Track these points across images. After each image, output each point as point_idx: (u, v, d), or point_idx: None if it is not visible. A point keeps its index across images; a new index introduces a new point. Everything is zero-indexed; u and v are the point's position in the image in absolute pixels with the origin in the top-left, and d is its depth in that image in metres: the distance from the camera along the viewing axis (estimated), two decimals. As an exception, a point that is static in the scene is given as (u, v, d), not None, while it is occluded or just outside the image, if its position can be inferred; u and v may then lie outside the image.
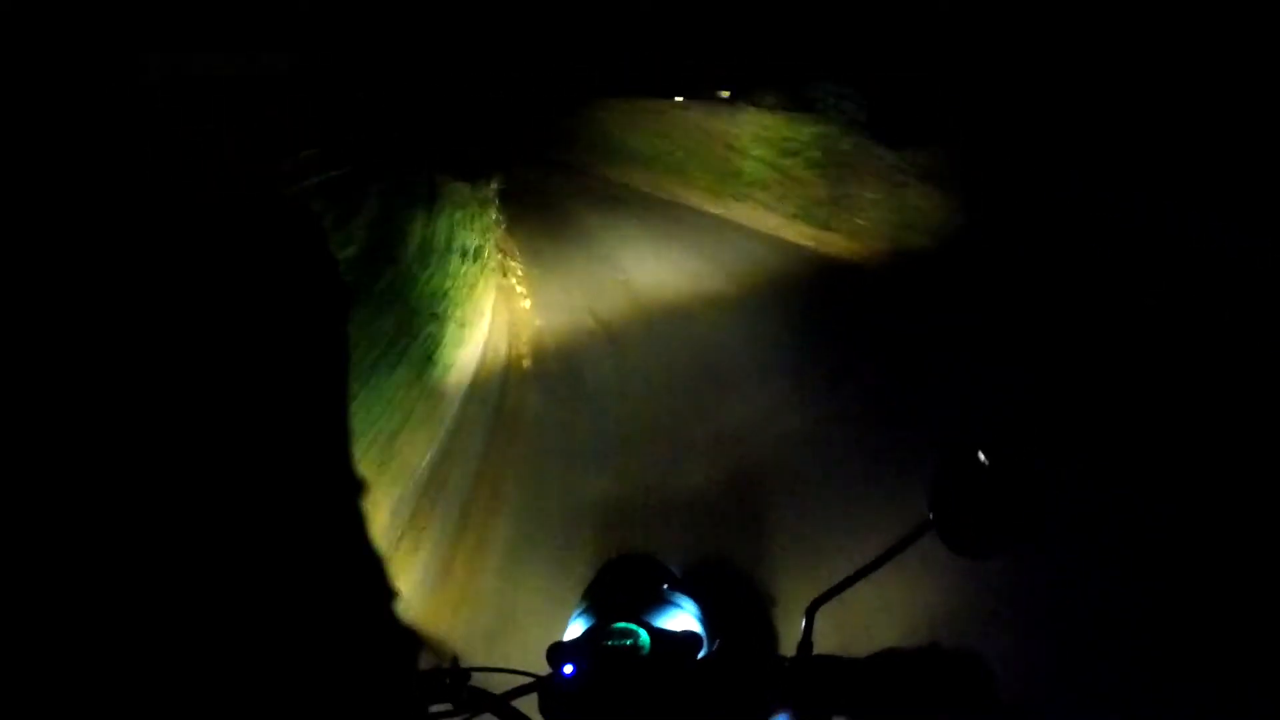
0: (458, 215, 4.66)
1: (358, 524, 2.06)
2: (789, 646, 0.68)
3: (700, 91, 8.52)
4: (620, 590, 0.88)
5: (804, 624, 0.67)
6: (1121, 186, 4.03)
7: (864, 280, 5.23)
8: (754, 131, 7.44)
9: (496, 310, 4.76)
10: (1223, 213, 3.50)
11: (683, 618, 0.82)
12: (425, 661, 1.50)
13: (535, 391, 3.67)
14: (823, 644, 0.66)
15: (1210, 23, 3.85)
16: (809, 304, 4.70)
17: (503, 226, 5.90)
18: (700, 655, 0.68)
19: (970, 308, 4.26)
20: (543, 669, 0.68)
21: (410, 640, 1.72)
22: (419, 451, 2.90)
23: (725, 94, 8.08)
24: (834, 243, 5.92)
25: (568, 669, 0.66)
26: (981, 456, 0.65)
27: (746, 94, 7.69)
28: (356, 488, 2.18)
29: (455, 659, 0.72)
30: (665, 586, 0.86)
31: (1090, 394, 3.09)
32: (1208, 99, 3.76)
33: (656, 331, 4.23)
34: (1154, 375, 3.16)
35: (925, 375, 3.40)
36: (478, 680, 0.71)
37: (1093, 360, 3.38)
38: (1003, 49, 5.16)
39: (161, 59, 2.20)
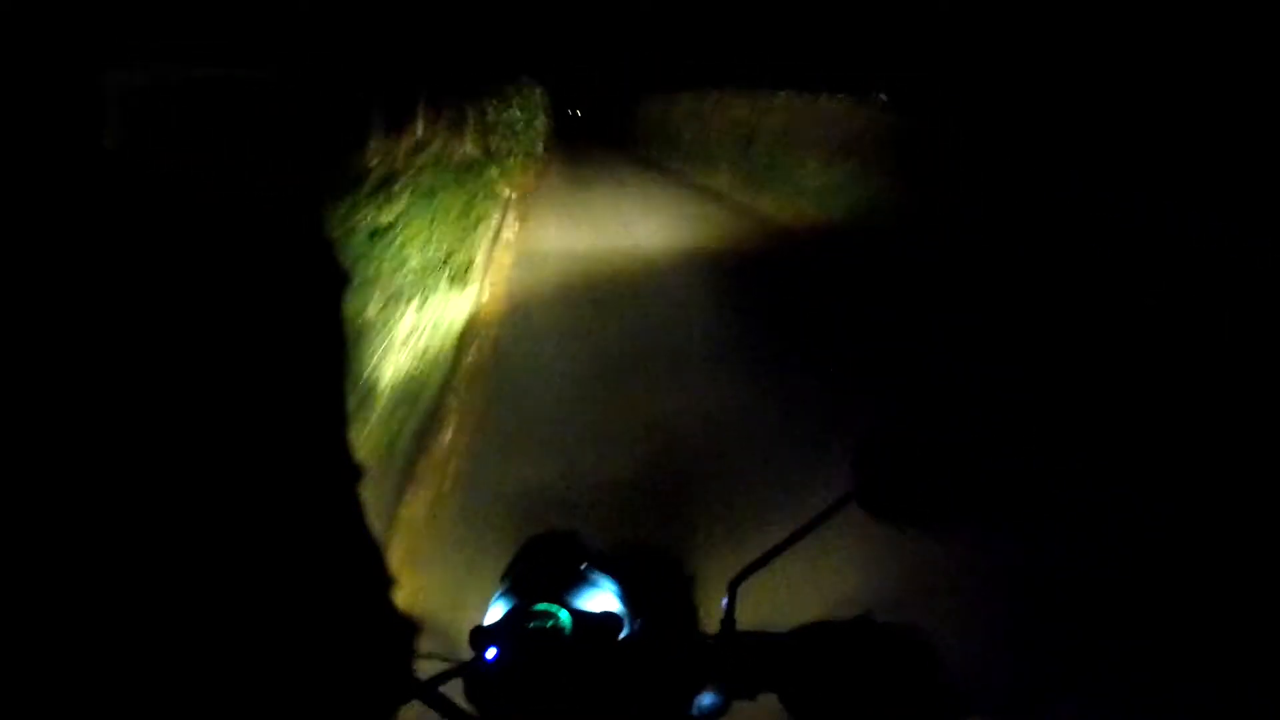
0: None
1: (340, 516, 2.06)
2: (713, 624, 0.67)
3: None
4: (540, 570, 0.86)
5: (726, 601, 0.67)
6: (1121, 186, 4.03)
7: (862, 277, 5.23)
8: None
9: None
10: (1223, 213, 3.50)
11: (603, 597, 0.81)
12: (360, 651, 1.48)
13: (484, 365, 3.67)
14: (748, 620, 0.66)
15: (1210, 23, 3.85)
16: (802, 299, 4.70)
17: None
18: (622, 635, 0.68)
19: (970, 308, 4.26)
20: (467, 654, 0.68)
21: (348, 629, 1.70)
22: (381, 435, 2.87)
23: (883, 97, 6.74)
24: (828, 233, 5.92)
25: (490, 653, 0.65)
26: (900, 434, 0.68)
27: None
28: (349, 479, 2.18)
29: (383, 647, 0.72)
30: (585, 565, 0.85)
31: (1090, 394, 3.09)
32: (1207, 98, 3.76)
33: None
34: (1154, 375, 3.15)
35: (924, 374, 3.39)
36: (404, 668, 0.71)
37: (1093, 360, 3.38)
38: (1002, 49, 5.17)
39: (157, 57, 2.20)
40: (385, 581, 1.92)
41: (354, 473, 2.19)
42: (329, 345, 2.51)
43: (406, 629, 1.78)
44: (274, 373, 2.03)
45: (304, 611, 1.53)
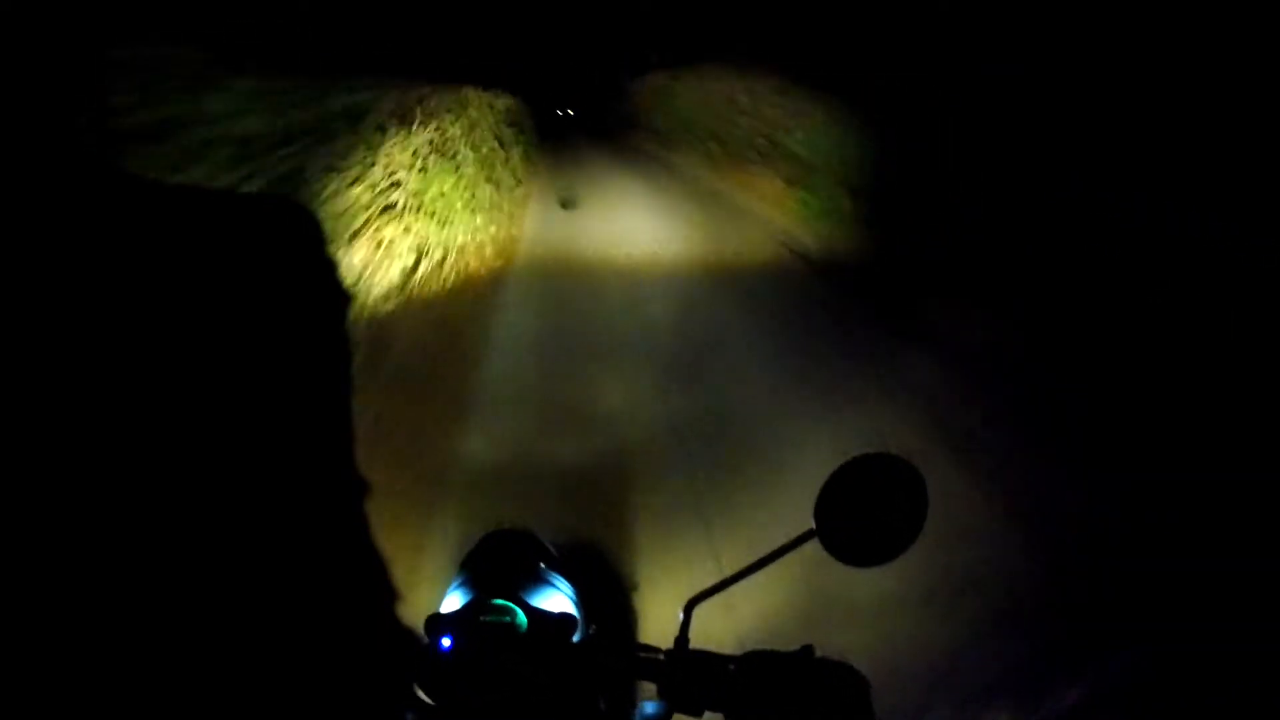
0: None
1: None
2: (664, 639, 0.69)
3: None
4: (499, 565, 0.88)
5: (681, 619, 0.68)
6: (1121, 186, 4.03)
7: (860, 277, 5.23)
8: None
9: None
10: (1223, 213, 3.50)
11: (559, 599, 0.83)
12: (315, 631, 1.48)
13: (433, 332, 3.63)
14: (699, 641, 0.67)
15: (1210, 23, 3.85)
16: (797, 296, 4.70)
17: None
18: (575, 639, 0.69)
19: (972, 305, 4.26)
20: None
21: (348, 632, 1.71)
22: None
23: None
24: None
25: (445, 642, 0.66)
26: (869, 468, 0.68)
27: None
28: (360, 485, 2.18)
29: (335, 626, 0.73)
30: (543, 566, 0.87)
31: (1091, 393, 3.10)
32: (1207, 98, 3.76)
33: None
34: (1155, 375, 3.16)
35: (925, 373, 3.40)
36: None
37: (1094, 359, 3.38)
38: (1002, 49, 5.16)
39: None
40: (389, 590, 1.93)
41: (361, 485, 2.19)
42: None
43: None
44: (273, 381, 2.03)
45: (304, 613, 1.54)
